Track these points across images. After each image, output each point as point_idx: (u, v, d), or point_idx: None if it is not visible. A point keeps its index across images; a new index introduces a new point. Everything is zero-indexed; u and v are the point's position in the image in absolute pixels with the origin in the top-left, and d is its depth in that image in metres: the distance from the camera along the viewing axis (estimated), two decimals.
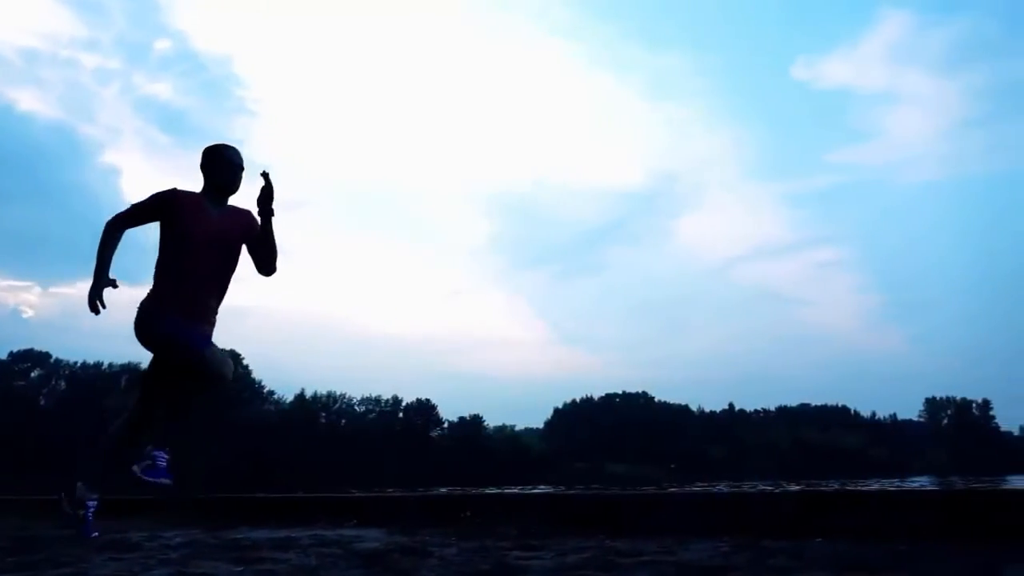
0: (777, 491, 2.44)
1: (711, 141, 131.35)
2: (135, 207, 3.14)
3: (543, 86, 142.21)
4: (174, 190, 3.16)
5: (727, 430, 78.84)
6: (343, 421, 68.18)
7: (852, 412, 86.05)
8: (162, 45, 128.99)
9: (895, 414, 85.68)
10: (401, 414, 70.22)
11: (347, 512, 3.55)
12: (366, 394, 70.42)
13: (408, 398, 71.00)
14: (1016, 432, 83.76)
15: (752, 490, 2.63)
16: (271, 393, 66.46)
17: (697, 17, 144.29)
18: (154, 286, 3.13)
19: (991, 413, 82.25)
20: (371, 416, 68.71)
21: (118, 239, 3.12)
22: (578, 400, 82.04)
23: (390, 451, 58.69)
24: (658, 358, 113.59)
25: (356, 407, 69.83)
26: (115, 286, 3.04)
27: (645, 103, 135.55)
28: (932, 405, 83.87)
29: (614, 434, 72.44)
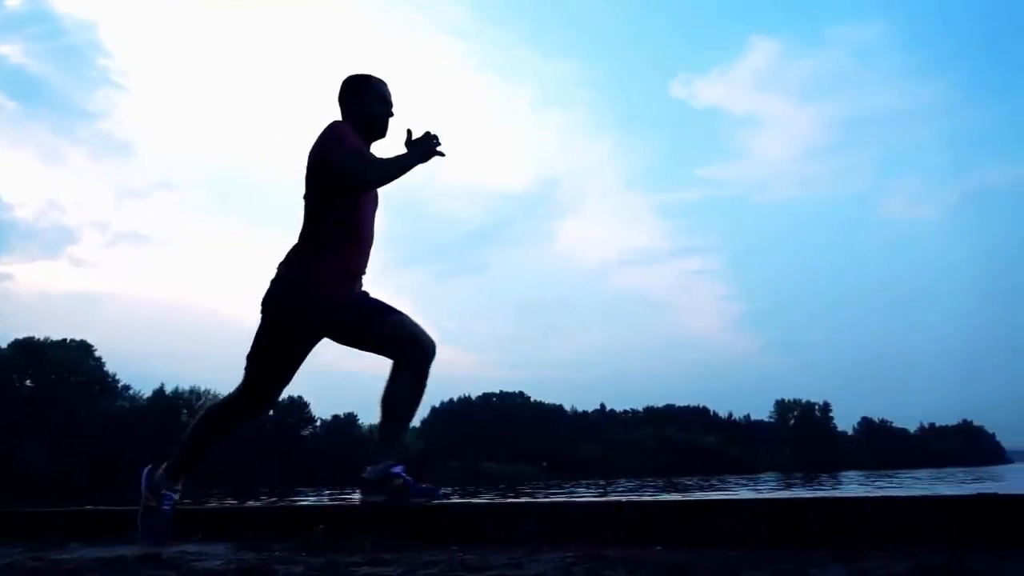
0: (623, 500, 2.56)
1: (593, 149, 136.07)
2: (356, 146, 2.44)
3: (430, 82, 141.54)
4: (351, 127, 2.50)
5: (597, 429, 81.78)
6: None
7: (711, 413, 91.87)
8: (13, 2, 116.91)
9: (749, 415, 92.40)
10: (271, 411, 67.47)
11: (193, 525, 3.36)
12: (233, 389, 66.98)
13: None
14: (850, 432, 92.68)
15: (601, 500, 2.75)
16: (126, 388, 61.78)
17: (585, 29, 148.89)
18: (317, 251, 2.50)
19: (831, 414, 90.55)
20: None
21: None
22: (455, 399, 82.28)
23: (259, 451, 56.16)
24: (535, 359, 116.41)
25: None
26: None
27: (532, 108, 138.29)
28: (781, 407, 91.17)
29: (490, 433, 73.23)
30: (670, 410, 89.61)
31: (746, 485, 17.77)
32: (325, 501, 13.15)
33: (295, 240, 2.66)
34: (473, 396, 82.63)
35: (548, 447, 72.33)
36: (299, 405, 68.30)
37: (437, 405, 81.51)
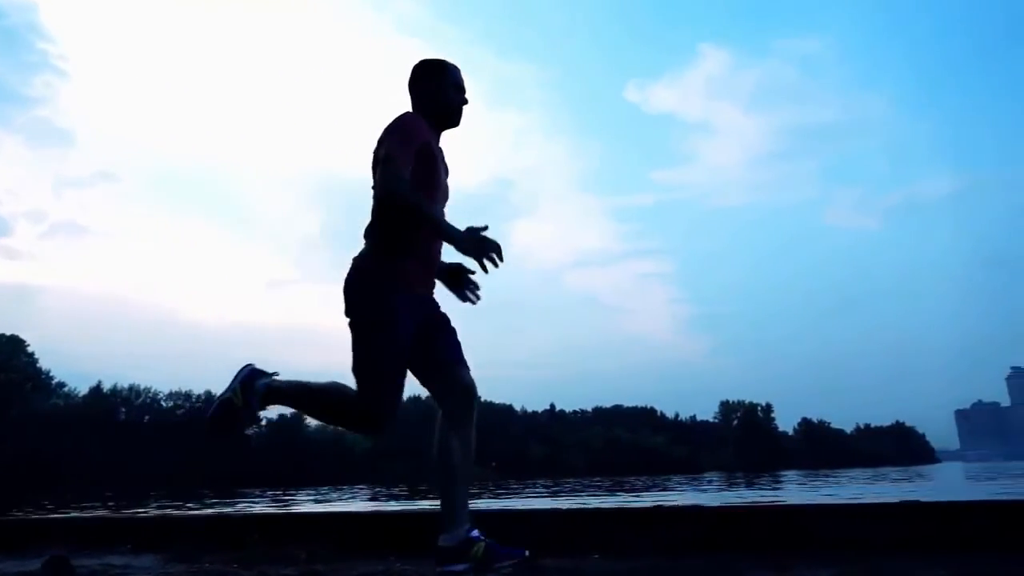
0: (563, 509, 2.56)
1: (548, 151, 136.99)
2: (405, 151, 2.22)
3: (385, 80, 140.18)
4: (422, 119, 2.35)
5: (547, 429, 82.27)
6: (146, 417, 62.42)
7: (659, 413, 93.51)
8: None
9: (695, 415, 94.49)
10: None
11: (123, 535, 3.25)
12: (175, 388, 65.16)
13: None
14: (791, 432, 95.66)
15: (540, 508, 2.76)
16: (61, 385, 59.39)
17: (542, 32, 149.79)
18: (400, 246, 2.28)
19: (772, 415, 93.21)
20: (180, 412, 63.52)
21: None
22: (406, 399, 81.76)
23: (202, 451, 54.62)
24: (486, 359, 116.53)
25: (163, 402, 64.25)
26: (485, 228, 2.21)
27: (487, 108, 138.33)
28: (725, 408, 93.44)
29: None
30: (618, 411, 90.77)
31: (690, 485, 18.11)
32: (267, 504, 12.88)
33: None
34: (423, 396, 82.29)
35: (498, 447, 72.47)
36: None
37: None
